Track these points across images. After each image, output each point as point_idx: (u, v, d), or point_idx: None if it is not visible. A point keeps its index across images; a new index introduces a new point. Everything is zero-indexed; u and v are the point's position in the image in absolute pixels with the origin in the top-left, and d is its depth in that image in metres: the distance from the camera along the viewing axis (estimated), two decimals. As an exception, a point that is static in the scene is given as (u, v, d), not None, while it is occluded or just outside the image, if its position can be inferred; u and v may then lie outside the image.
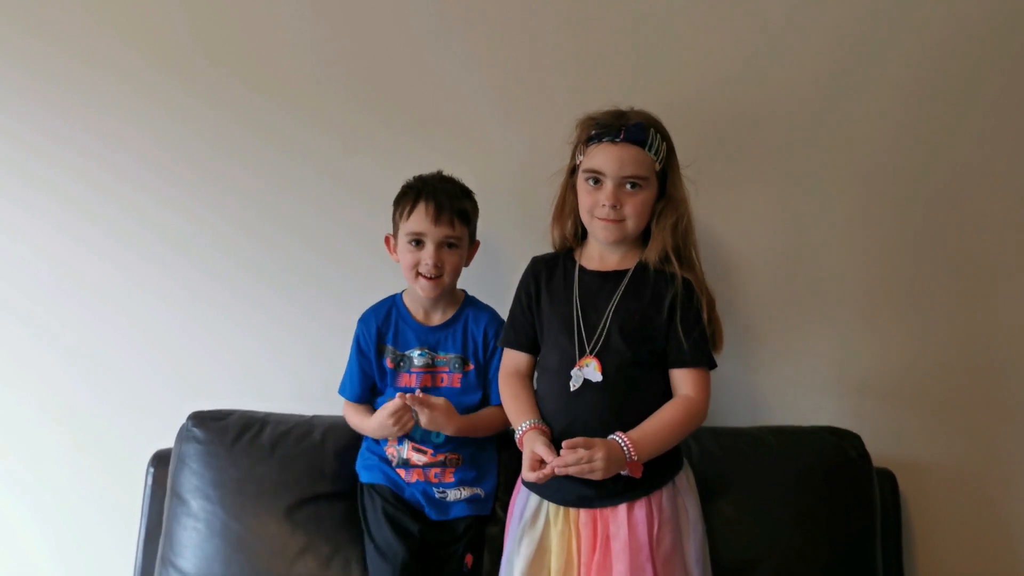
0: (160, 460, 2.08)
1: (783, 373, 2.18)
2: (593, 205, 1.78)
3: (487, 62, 2.17)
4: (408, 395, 1.85)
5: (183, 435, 2.02)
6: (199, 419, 2.03)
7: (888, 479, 2.07)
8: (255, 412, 2.08)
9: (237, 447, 1.99)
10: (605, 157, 1.76)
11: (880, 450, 2.05)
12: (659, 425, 1.73)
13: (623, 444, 1.68)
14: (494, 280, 2.11)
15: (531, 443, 1.72)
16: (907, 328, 2.18)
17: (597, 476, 1.65)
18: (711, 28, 2.16)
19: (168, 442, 2.06)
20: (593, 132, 1.79)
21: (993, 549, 2.16)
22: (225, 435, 2.00)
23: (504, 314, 1.97)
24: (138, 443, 2.14)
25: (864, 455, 2.01)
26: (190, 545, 1.93)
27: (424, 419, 1.85)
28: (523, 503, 1.81)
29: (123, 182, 2.20)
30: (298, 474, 1.97)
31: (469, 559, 1.89)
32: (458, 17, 2.16)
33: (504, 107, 2.17)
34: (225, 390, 2.18)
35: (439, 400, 1.87)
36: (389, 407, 1.86)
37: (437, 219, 1.89)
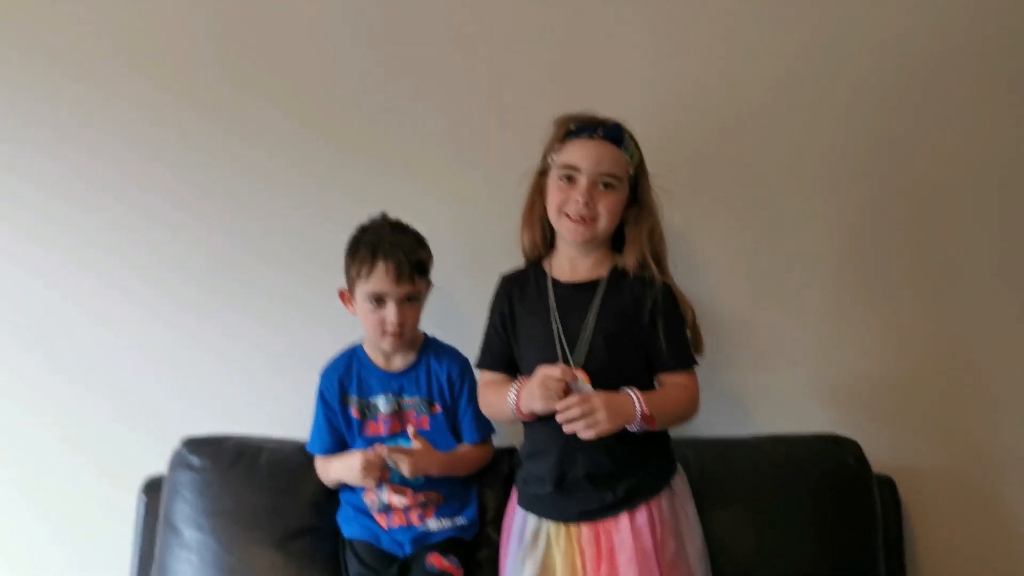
0: (151, 487, 2.06)
1: (778, 382, 2.17)
2: (563, 202, 1.76)
3: (451, 98, 2.19)
4: (384, 448, 1.84)
5: (177, 461, 2.00)
6: (194, 444, 2.01)
7: (888, 486, 2.06)
8: (251, 437, 2.05)
9: (232, 475, 1.96)
10: (582, 153, 1.75)
11: (879, 457, 2.03)
12: (662, 394, 1.75)
13: (633, 395, 1.67)
14: (451, 317, 2.12)
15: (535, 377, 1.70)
16: (903, 335, 2.18)
17: (603, 426, 1.63)
18: (674, 41, 2.18)
19: (158, 467, 2.05)
20: (572, 127, 1.78)
21: (996, 553, 2.15)
22: (219, 462, 1.98)
23: (463, 351, 1.97)
24: (127, 469, 2.12)
25: (863, 462, 1.99)
26: (183, 576, 1.91)
27: (407, 469, 1.84)
28: (521, 525, 1.79)
29: (118, 200, 2.21)
30: (293, 504, 1.95)
31: (437, 560, 1.84)
32: (441, 49, 2.19)
33: (464, 139, 2.19)
34: (215, 415, 2.16)
35: (415, 445, 1.86)
36: (366, 454, 1.85)
37: (399, 279, 1.86)
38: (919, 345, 2.18)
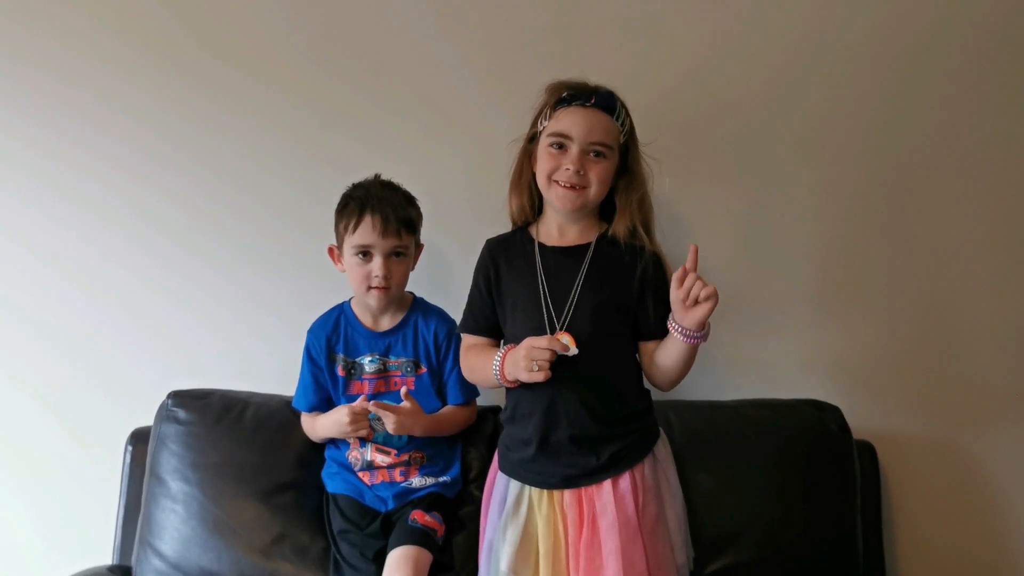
0: (138, 438, 2.07)
1: (762, 348, 2.18)
2: (554, 169, 1.75)
3: (445, 60, 2.19)
4: (373, 402, 1.85)
5: (163, 414, 2.01)
6: (180, 398, 2.02)
7: (868, 451, 2.08)
8: (237, 392, 2.06)
9: (218, 429, 1.98)
10: (574, 121, 1.74)
11: (860, 422, 2.06)
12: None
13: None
14: (442, 279, 2.13)
15: (521, 347, 1.69)
16: (886, 303, 2.18)
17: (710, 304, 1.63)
18: (666, 8, 2.17)
19: (145, 420, 2.06)
20: (564, 95, 1.76)
21: (972, 520, 2.17)
22: (206, 416, 1.99)
23: (453, 313, 1.97)
24: (115, 420, 2.13)
25: (844, 427, 2.01)
26: (168, 527, 1.93)
27: (391, 425, 1.85)
28: (503, 490, 1.79)
29: (106, 163, 2.20)
30: (278, 459, 1.96)
31: (420, 515, 1.86)
32: (434, 12, 2.18)
33: (472, 100, 2.18)
34: (203, 369, 2.17)
35: (404, 405, 1.86)
36: (352, 406, 1.86)
37: (384, 231, 1.88)
38: (903, 315, 2.19)
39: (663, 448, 1.82)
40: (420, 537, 1.83)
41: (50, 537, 2.21)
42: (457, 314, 1.93)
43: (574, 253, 1.79)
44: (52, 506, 2.22)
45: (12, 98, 2.20)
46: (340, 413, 1.88)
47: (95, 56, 2.19)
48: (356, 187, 1.95)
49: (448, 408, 1.97)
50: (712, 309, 1.63)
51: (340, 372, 1.96)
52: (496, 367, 1.74)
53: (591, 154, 1.74)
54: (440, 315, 2.00)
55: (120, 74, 2.19)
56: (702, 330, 1.67)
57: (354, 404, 1.87)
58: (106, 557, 2.06)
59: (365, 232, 1.88)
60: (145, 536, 1.95)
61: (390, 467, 1.92)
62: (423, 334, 1.97)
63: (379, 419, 1.87)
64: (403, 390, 1.88)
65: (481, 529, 1.84)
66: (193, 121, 2.20)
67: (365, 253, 1.90)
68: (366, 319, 1.99)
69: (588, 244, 1.79)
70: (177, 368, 2.18)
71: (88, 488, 2.19)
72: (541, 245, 1.82)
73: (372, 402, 1.86)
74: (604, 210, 1.83)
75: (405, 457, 1.92)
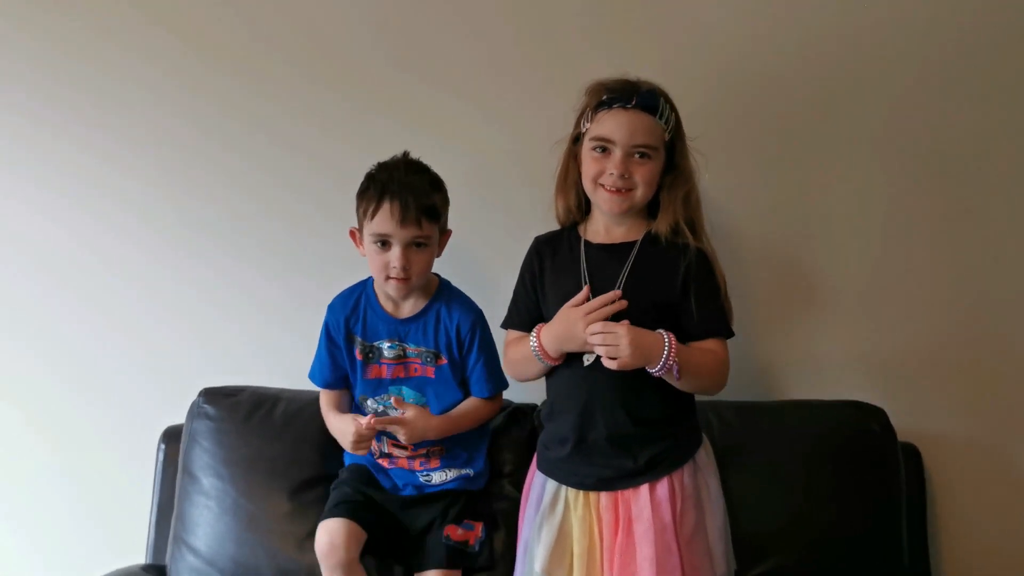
0: (171, 436, 2.08)
1: (805, 348, 2.14)
2: (599, 173, 1.72)
3: (470, 49, 2.15)
4: (376, 420, 1.80)
5: (194, 411, 2.01)
6: (211, 395, 2.02)
7: (912, 453, 2.03)
8: (267, 388, 2.06)
9: (249, 425, 1.97)
10: (616, 124, 1.70)
11: (904, 424, 2.01)
12: (694, 351, 1.70)
13: (665, 337, 1.64)
14: (473, 268, 2.09)
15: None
16: (929, 302, 2.13)
17: (624, 359, 1.61)
18: (713, 7, 2.13)
19: (178, 418, 2.06)
20: (604, 97, 1.73)
21: (1020, 524, 2.12)
22: (237, 412, 1.99)
23: (481, 303, 1.92)
24: (148, 419, 2.14)
25: (888, 429, 1.97)
26: (202, 523, 1.93)
27: (403, 437, 1.80)
28: (540, 489, 1.77)
29: (109, 167, 2.22)
30: (309, 453, 1.95)
31: (452, 530, 1.83)
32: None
33: (487, 95, 2.16)
34: (235, 366, 2.17)
35: (408, 414, 1.81)
36: (358, 428, 1.79)
37: (403, 221, 1.77)
38: (949, 313, 2.14)
39: (705, 454, 1.77)
40: (453, 557, 1.81)
41: (84, 538, 2.22)
42: (483, 301, 1.90)
43: (618, 251, 1.76)
44: (86, 507, 2.22)
45: (15, 100, 2.22)
46: (348, 429, 1.81)
47: (92, 60, 2.20)
48: (380, 168, 1.85)
49: (470, 401, 1.90)
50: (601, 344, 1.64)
51: (358, 356, 1.89)
52: (534, 345, 1.72)
53: (636, 156, 1.71)
54: (464, 305, 1.90)
55: (126, 82, 2.20)
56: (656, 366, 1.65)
57: (360, 424, 1.79)
58: (140, 557, 2.06)
59: (383, 220, 1.79)
60: (179, 533, 1.95)
61: (409, 458, 1.88)
62: (445, 325, 1.88)
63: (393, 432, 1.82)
64: (392, 399, 1.84)
65: (519, 528, 1.81)
66: (194, 126, 2.19)
67: (384, 242, 1.82)
68: (387, 303, 1.90)
69: (634, 242, 1.76)
70: (210, 365, 2.18)
71: (121, 488, 2.19)
72: (587, 243, 1.79)
73: (375, 420, 1.79)
74: (653, 207, 1.79)
75: (423, 451, 1.87)
